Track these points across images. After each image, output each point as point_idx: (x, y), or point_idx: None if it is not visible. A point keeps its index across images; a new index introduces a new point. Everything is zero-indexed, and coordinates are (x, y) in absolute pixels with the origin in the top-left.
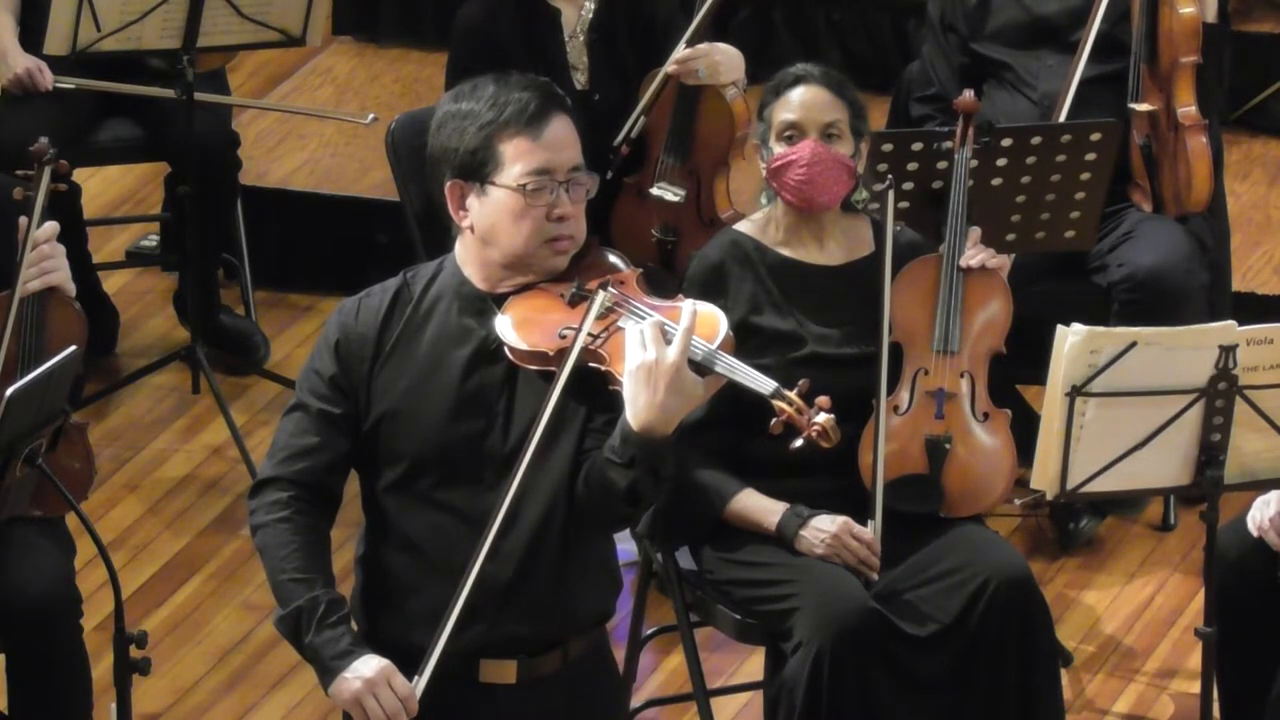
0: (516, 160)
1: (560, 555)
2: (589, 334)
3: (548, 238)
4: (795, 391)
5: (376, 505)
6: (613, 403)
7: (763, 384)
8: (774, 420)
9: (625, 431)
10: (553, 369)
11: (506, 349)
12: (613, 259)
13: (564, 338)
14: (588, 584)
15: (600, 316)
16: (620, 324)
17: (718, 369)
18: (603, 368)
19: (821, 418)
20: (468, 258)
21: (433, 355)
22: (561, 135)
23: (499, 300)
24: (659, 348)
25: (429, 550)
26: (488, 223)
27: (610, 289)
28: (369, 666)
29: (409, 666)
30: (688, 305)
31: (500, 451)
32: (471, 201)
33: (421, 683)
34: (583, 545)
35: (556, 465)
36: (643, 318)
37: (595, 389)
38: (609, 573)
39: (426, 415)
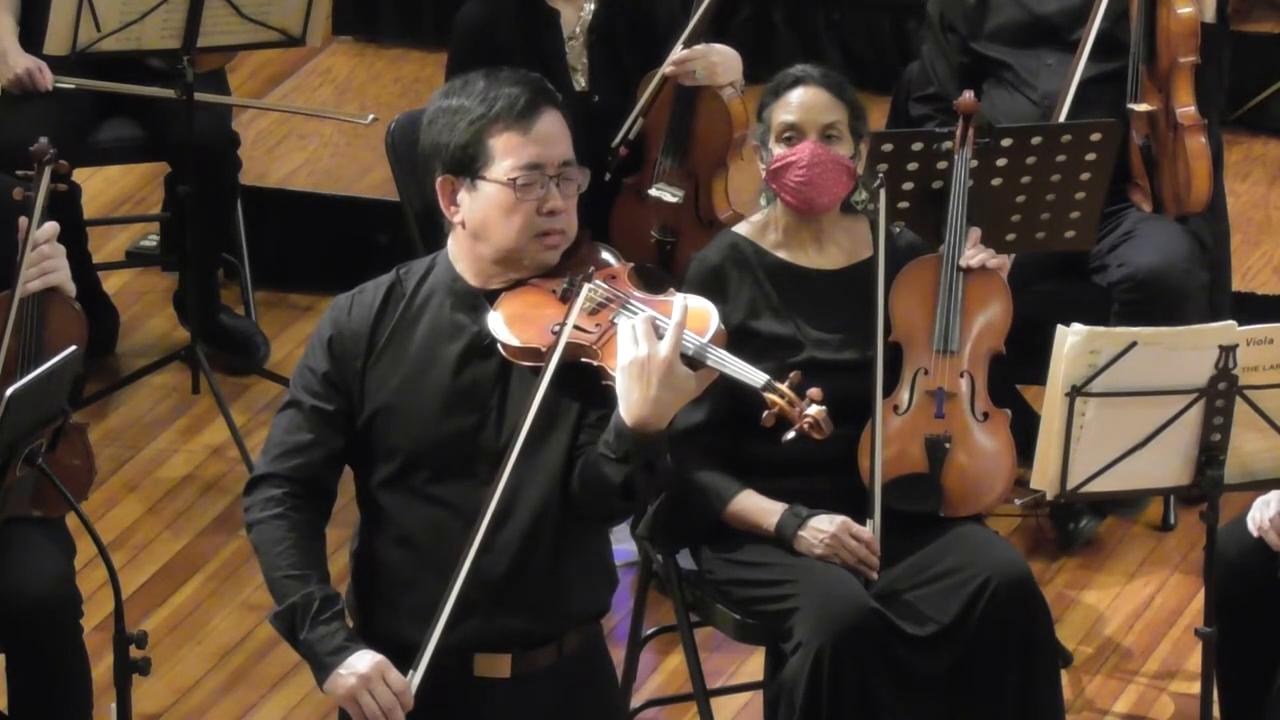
0: (507, 155)
1: (555, 550)
2: (581, 329)
3: (538, 232)
4: (787, 384)
5: (371, 501)
6: (606, 398)
7: (754, 377)
8: (765, 413)
9: (619, 427)
10: (544, 365)
11: (500, 345)
12: (605, 254)
13: (555, 334)
14: (583, 579)
15: (593, 312)
16: (613, 319)
17: (710, 363)
18: (595, 363)
19: (813, 409)
20: (460, 253)
21: (425, 351)
22: (552, 130)
23: (491, 296)
24: (651, 343)
25: (423, 545)
26: (479, 217)
27: (595, 281)
28: (363, 662)
29: (404, 661)
30: (679, 299)
31: (493, 446)
32: (462, 197)
33: (416, 677)
34: (577, 540)
35: (550, 460)
36: (635, 312)
37: (589, 384)
38: (604, 569)
39: (419, 411)
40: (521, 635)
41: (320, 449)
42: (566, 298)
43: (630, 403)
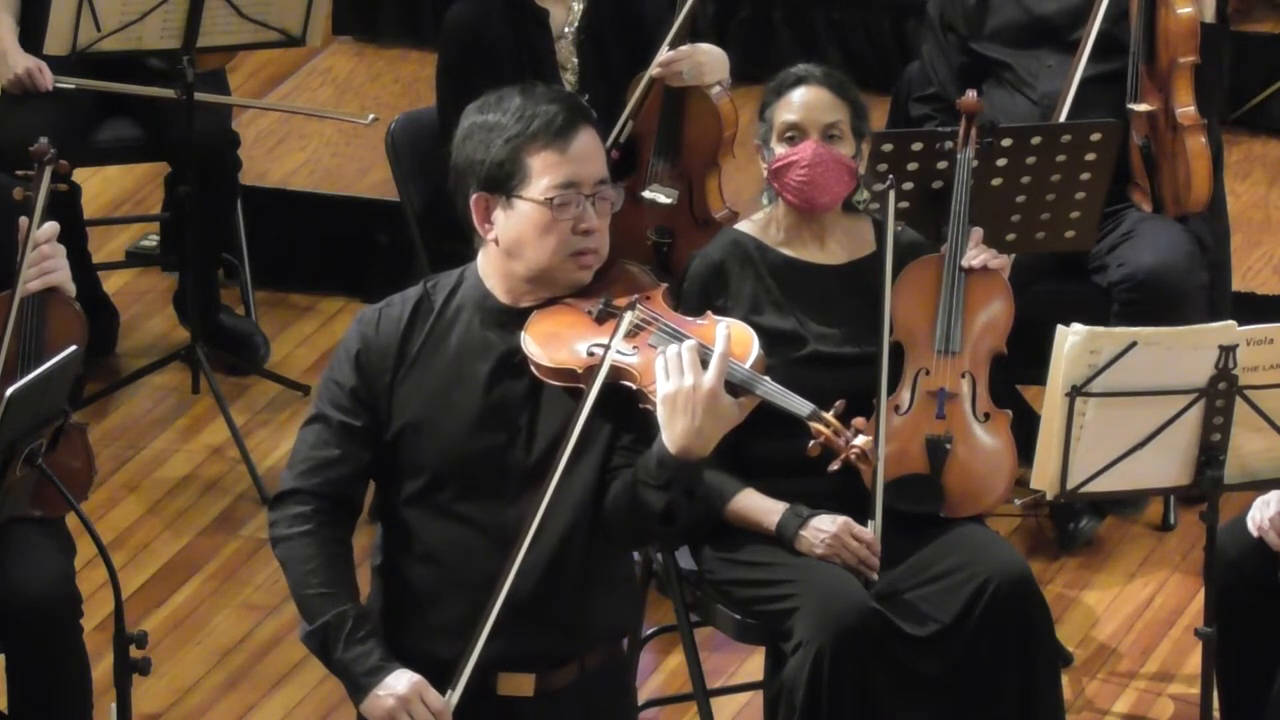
0: (544, 173)
1: (582, 571)
2: (620, 352)
3: (573, 251)
4: (832, 413)
5: (396, 516)
6: (640, 420)
7: (799, 406)
8: (811, 443)
9: (661, 455)
10: (579, 386)
11: (532, 365)
12: (637, 273)
13: (592, 355)
14: (608, 600)
15: (630, 334)
16: (650, 342)
17: (757, 392)
18: (634, 386)
19: (860, 440)
20: (490, 270)
21: (455, 367)
22: (588, 148)
23: (522, 314)
24: (696, 373)
25: (448, 563)
26: (513, 235)
27: (638, 307)
28: (401, 682)
29: (428, 677)
30: (721, 327)
31: (522, 465)
32: (497, 214)
33: (454, 697)
34: (603, 561)
35: (580, 482)
36: (672, 336)
37: (622, 407)
38: (629, 588)
39: (448, 428)
40: (546, 655)
41: (348, 465)
42: (602, 319)
43: (674, 433)
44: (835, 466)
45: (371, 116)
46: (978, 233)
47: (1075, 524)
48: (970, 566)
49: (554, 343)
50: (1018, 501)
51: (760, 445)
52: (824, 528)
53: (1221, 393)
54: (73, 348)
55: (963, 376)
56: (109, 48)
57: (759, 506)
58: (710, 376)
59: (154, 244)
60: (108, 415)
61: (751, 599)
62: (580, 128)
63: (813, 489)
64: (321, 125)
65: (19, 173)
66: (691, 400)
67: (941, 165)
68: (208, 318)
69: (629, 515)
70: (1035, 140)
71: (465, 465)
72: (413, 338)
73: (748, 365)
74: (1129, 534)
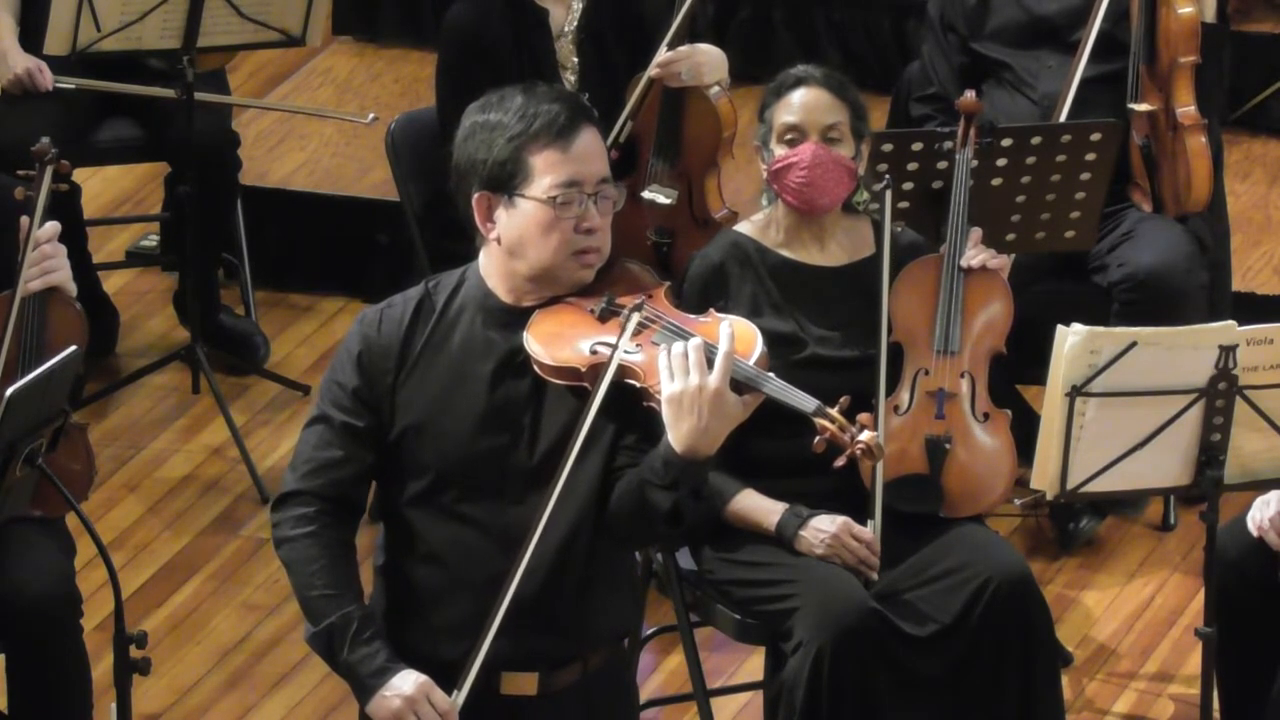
0: (546, 172)
1: (585, 571)
2: (625, 351)
3: (575, 250)
4: (837, 409)
5: (398, 516)
6: (643, 419)
7: (804, 402)
8: (816, 439)
9: (667, 455)
10: (584, 385)
11: (535, 364)
12: (639, 272)
13: (596, 354)
14: (610, 600)
15: (634, 333)
16: (654, 340)
17: (761, 389)
18: (638, 384)
19: (865, 435)
20: (492, 269)
21: (458, 368)
22: (590, 147)
23: (525, 313)
24: (702, 373)
25: (451, 563)
26: (515, 235)
27: (644, 307)
28: (407, 683)
29: (431, 677)
30: (725, 326)
31: (526, 466)
32: (499, 214)
33: (461, 698)
34: (607, 562)
35: (585, 482)
36: (676, 334)
37: (626, 406)
38: (631, 589)
39: (452, 429)
40: (549, 655)
41: (351, 466)
42: (605, 317)
43: (680, 433)
44: (841, 462)
45: (371, 116)
46: (977, 233)
47: (1075, 524)
48: (970, 566)
49: (557, 342)
50: (1018, 501)
51: (761, 444)
52: (824, 528)
53: (1221, 393)
54: (73, 348)
55: (962, 376)
56: (109, 48)
57: (759, 507)
58: (716, 376)
59: (154, 244)
60: (108, 415)
61: (751, 599)
62: (582, 127)
63: (813, 489)
64: (321, 125)
65: (19, 172)
66: (697, 400)
67: (941, 165)
68: (208, 318)
69: (635, 515)
70: (1035, 140)
71: (468, 466)
72: (415, 338)
73: (751, 362)
74: (1129, 534)
